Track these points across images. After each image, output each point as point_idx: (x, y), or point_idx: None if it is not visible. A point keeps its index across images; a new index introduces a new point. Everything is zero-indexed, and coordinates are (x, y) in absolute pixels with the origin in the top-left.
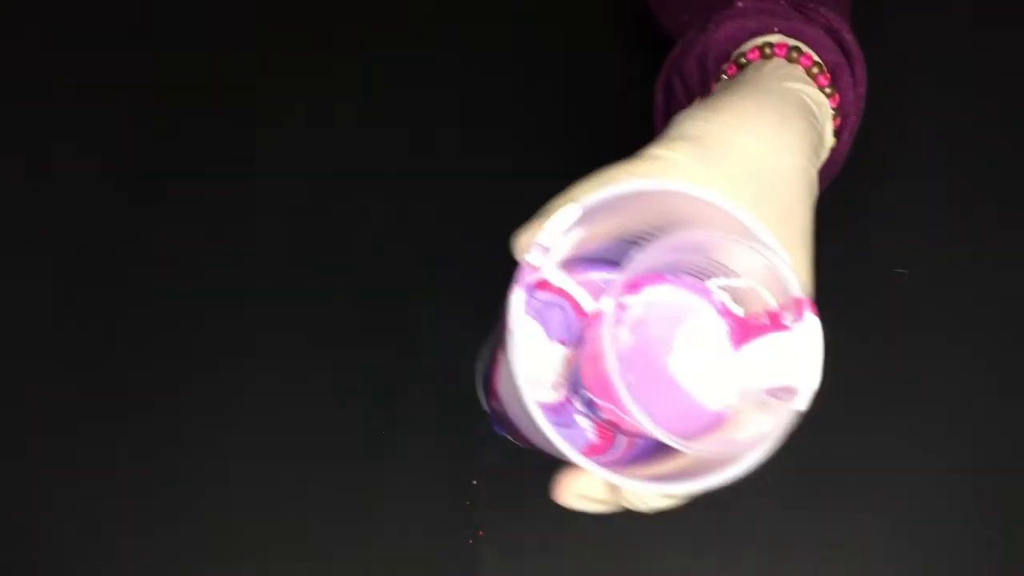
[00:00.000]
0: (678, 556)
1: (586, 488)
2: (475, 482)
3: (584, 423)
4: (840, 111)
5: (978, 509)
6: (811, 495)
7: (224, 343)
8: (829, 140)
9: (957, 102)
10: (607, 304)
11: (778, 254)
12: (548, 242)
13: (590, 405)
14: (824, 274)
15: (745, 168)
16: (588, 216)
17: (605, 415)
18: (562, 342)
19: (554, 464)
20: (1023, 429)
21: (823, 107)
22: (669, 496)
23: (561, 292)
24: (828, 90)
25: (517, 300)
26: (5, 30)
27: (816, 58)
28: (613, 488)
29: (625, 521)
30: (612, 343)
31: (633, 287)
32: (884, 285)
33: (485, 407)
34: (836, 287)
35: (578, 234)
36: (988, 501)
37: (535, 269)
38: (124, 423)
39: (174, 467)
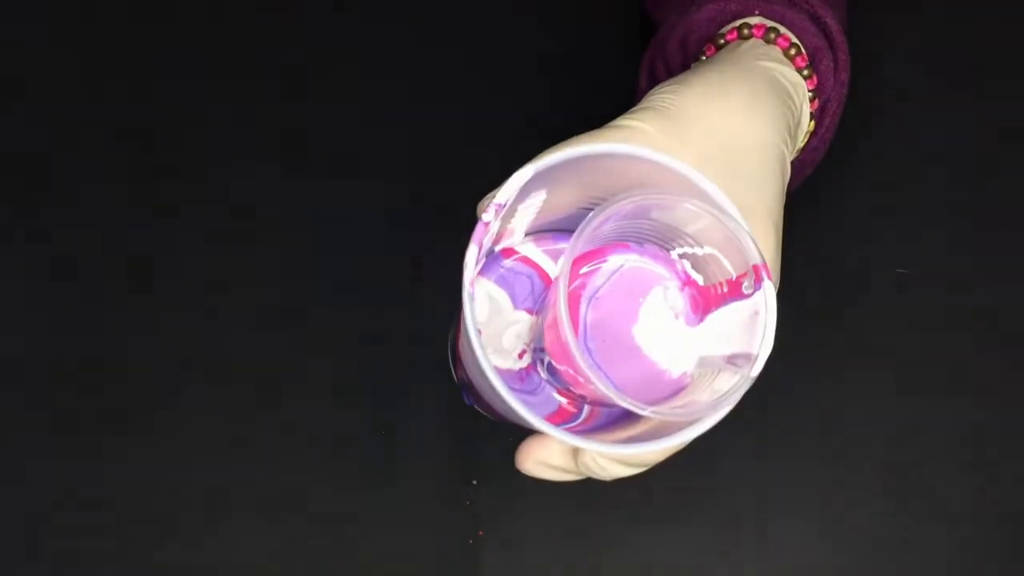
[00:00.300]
0: (680, 555)
1: (547, 455)
2: (475, 482)
3: (549, 391)
4: (819, 94)
5: (979, 505)
6: (811, 496)
7: (223, 343)
8: (807, 122)
9: (958, 99)
10: (562, 266)
11: (737, 221)
12: (502, 200)
13: (552, 371)
14: (824, 273)
15: (712, 140)
16: (547, 180)
17: (566, 380)
18: (529, 311)
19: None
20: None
21: (799, 88)
22: (628, 462)
23: (528, 261)
24: (805, 72)
25: (470, 256)
26: None
27: (794, 40)
28: (574, 455)
29: (626, 521)
30: (565, 303)
31: (599, 255)
32: (884, 285)
33: (454, 377)
34: (835, 286)
35: (540, 198)
36: (989, 497)
37: (486, 225)
38: (123, 424)
39: (173, 467)
